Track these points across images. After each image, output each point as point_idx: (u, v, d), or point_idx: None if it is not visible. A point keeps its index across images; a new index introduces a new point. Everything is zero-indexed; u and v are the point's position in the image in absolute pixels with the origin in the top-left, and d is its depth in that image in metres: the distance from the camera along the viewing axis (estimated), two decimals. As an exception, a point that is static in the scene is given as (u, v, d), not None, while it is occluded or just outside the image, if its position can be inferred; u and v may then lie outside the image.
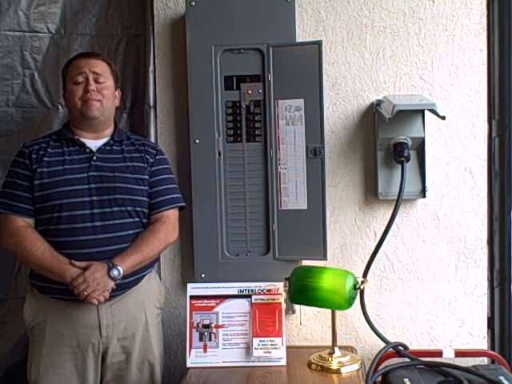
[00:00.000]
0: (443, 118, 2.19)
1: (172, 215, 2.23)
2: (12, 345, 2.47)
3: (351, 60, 2.44)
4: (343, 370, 2.15)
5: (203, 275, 2.43)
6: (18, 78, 2.53)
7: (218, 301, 2.28)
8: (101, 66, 2.20)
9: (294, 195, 2.39)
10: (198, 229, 2.42)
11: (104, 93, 2.17)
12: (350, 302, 2.15)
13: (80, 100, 2.15)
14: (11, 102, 2.53)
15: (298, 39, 2.40)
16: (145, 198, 2.18)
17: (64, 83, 2.24)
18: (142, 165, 2.20)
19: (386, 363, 2.27)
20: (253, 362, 2.21)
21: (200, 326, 2.26)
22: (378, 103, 2.39)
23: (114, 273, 2.04)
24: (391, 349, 2.30)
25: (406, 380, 2.14)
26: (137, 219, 2.16)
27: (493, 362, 2.36)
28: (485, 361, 2.38)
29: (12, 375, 2.43)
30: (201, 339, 2.25)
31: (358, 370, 2.16)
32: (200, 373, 2.17)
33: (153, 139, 2.47)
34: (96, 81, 2.16)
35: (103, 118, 2.19)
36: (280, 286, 2.28)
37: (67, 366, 2.12)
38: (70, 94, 2.18)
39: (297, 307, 2.46)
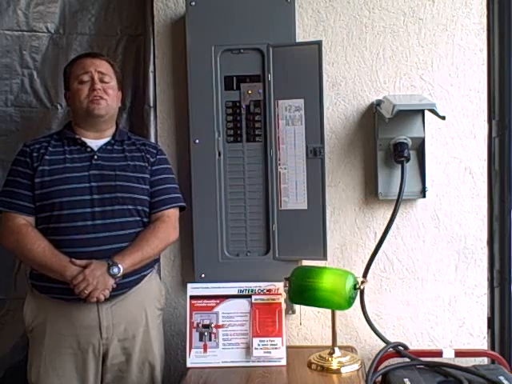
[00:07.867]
0: (443, 118, 2.19)
1: (172, 215, 2.22)
2: (12, 345, 2.46)
3: (351, 60, 2.44)
4: (343, 370, 2.15)
5: (203, 275, 2.43)
6: (17, 77, 2.53)
7: (217, 301, 2.28)
8: (105, 66, 2.21)
9: (294, 195, 2.39)
10: (198, 229, 2.42)
11: (109, 92, 2.18)
12: (349, 302, 2.15)
13: (86, 99, 2.15)
14: (10, 101, 2.53)
15: (298, 39, 2.40)
16: (146, 197, 2.18)
17: (66, 82, 2.23)
18: (143, 164, 2.20)
19: (386, 363, 2.27)
20: (253, 362, 2.21)
21: (200, 326, 2.26)
22: (378, 103, 2.39)
23: (114, 270, 2.03)
24: (391, 349, 2.30)
25: (406, 380, 2.14)
26: (137, 218, 2.16)
27: (493, 362, 2.36)
28: (485, 361, 2.38)
29: (12, 376, 2.42)
30: (201, 339, 2.25)
31: (358, 370, 2.16)
32: (200, 373, 2.17)
33: (153, 139, 2.47)
34: (101, 80, 2.17)
35: (108, 117, 2.20)
36: (280, 286, 2.27)
37: (67, 367, 2.12)
38: (74, 93, 2.17)
39: (297, 307, 2.45)
